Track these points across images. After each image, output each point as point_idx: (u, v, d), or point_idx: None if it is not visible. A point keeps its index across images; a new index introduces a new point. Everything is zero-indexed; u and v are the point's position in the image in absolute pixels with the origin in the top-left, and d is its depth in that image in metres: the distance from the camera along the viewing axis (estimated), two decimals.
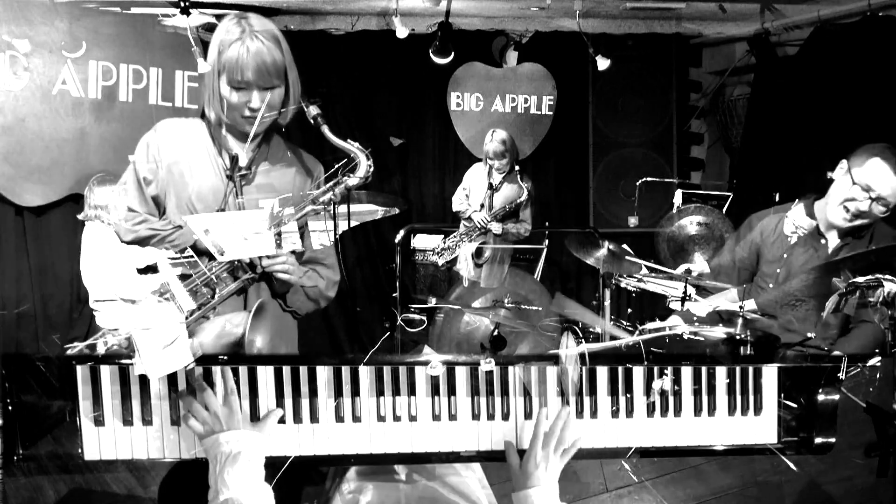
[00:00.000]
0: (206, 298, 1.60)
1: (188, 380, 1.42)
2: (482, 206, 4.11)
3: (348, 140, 1.70)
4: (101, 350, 1.43)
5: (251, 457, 1.27)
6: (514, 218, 4.14)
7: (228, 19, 1.68)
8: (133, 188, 1.80)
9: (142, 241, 1.78)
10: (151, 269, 1.56)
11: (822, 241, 2.70)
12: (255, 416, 1.43)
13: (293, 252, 1.70)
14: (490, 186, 4.11)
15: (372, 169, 1.70)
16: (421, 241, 4.28)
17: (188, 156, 1.78)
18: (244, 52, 1.62)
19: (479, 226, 4.03)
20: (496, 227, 4.03)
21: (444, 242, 4.10)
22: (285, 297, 1.83)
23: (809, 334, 1.97)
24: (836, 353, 1.59)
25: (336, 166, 1.72)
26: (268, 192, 1.79)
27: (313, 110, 1.70)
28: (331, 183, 1.70)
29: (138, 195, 1.80)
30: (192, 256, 1.64)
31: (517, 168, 4.12)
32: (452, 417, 1.47)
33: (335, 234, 1.69)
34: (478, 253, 3.99)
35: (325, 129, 1.69)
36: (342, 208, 1.69)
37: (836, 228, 2.59)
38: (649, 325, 2.80)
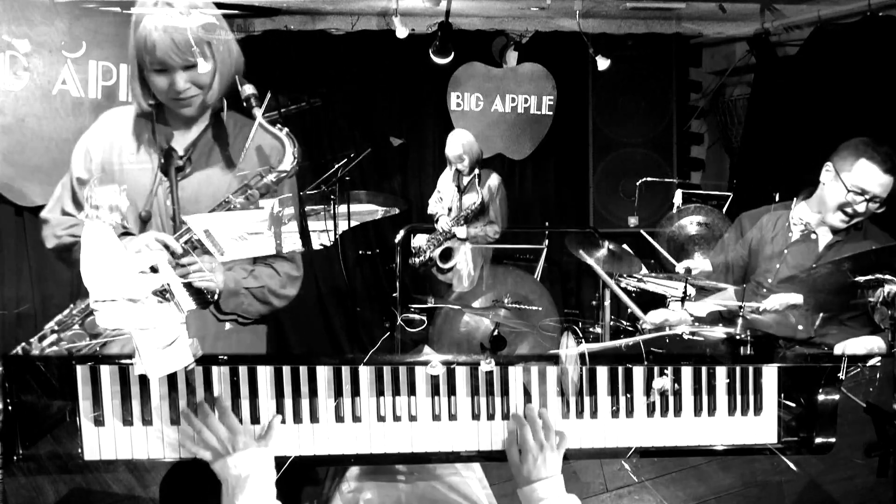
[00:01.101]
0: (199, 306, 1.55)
1: (188, 379, 1.42)
2: (449, 209, 4.07)
3: (278, 125, 1.59)
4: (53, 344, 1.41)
5: (260, 478, 1.29)
6: (482, 220, 4.06)
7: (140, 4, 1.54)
8: (67, 189, 1.68)
9: (65, 250, 1.65)
10: (153, 269, 1.52)
11: (813, 237, 2.72)
12: (255, 417, 1.43)
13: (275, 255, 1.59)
14: (458, 189, 4.06)
15: (296, 161, 1.58)
16: (421, 241, 4.28)
17: (120, 151, 1.65)
18: (153, 30, 1.49)
19: (442, 231, 3.97)
20: (461, 232, 3.95)
21: (425, 244, 4.06)
22: (217, 305, 1.64)
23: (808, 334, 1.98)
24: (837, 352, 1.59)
25: (336, 166, 1.71)
26: (205, 190, 1.65)
27: (248, 89, 1.58)
28: (250, 179, 1.59)
29: (70, 197, 1.67)
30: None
31: (476, 171, 4.05)
32: (452, 417, 1.47)
33: (335, 234, 1.68)
34: (444, 257, 3.92)
35: (257, 113, 1.56)
36: (342, 208, 1.68)
37: (832, 228, 2.61)
38: (651, 317, 2.81)
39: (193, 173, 1.66)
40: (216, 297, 1.61)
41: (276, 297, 1.72)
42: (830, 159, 2.56)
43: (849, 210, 2.46)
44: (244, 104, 1.58)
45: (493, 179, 4.02)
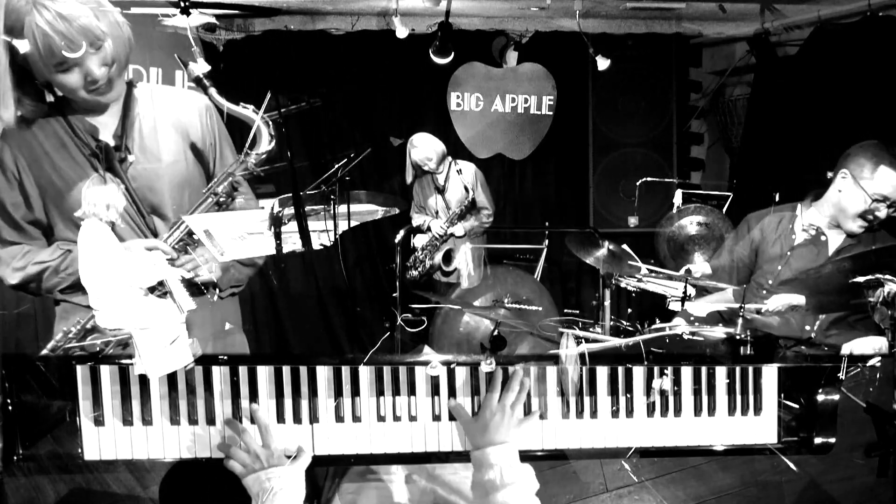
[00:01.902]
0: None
1: (188, 379, 1.42)
2: (437, 212, 4.04)
3: (242, 104, 1.50)
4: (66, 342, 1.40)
5: (292, 493, 1.30)
6: (473, 212, 4.04)
7: (13, 4, 1.36)
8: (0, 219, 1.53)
9: (33, 282, 1.54)
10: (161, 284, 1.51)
11: (823, 239, 2.71)
12: (255, 418, 1.43)
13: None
14: (438, 189, 4.03)
15: (274, 142, 1.52)
16: (421, 241, 4.27)
17: (49, 159, 1.51)
18: (46, 30, 1.34)
19: (438, 235, 3.95)
20: (458, 230, 3.93)
21: (420, 254, 4.02)
22: (216, 287, 1.65)
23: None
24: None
25: (336, 166, 1.70)
26: (159, 170, 1.58)
27: (196, 69, 1.46)
28: (229, 167, 1.54)
29: (8, 223, 1.54)
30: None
31: (455, 166, 4.03)
32: (452, 417, 1.47)
33: (335, 233, 1.68)
34: (446, 259, 3.90)
35: (213, 93, 1.48)
36: (342, 208, 1.68)
37: (850, 233, 2.60)
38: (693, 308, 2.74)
39: (137, 160, 1.56)
40: (216, 285, 1.63)
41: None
42: (845, 165, 2.53)
43: (870, 217, 2.46)
44: (194, 84, 1.47)
45: (469, 168, 4.01)
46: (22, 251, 1.53)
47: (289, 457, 1.39)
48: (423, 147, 3.95)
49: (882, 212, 2.43)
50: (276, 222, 1.59)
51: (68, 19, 1.35)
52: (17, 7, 1.34)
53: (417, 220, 4.24)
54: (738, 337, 2.14)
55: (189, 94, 1.69)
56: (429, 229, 4.07)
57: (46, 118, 1.52)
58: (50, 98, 1.49)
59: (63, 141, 1.52)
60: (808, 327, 2.53)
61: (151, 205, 1.61)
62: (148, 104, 1.61)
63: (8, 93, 1.41)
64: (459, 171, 3.91)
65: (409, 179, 4.15)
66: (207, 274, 1.59)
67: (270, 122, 1.50)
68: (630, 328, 3.13)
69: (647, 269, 3.59)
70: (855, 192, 2.48)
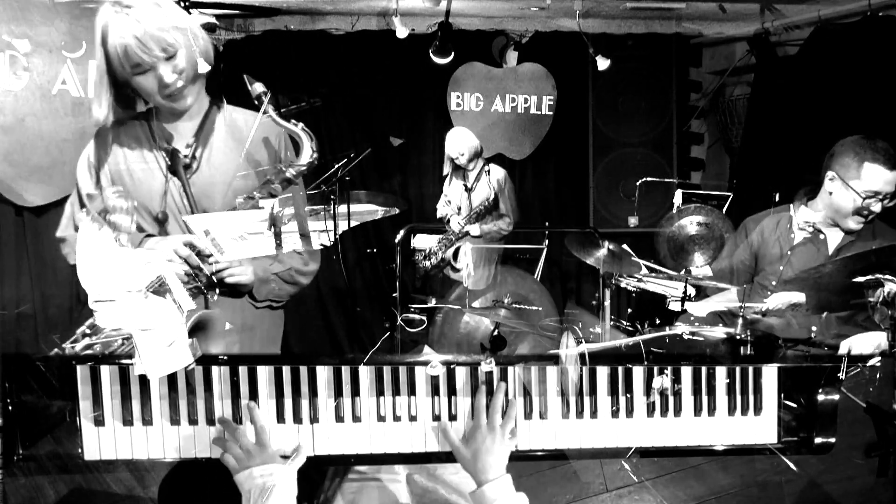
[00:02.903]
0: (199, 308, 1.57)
1: (188, 378, 1.42)
2: (459, 209, 4.06)
3: (293, 120, 1.63)
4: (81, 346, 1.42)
5: (284, 491, 1.29)
6: (493, 215, 4.06)
7: (104, 9, 1.55)
8: (76, 206, 1.72)
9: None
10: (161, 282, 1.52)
11: (822, 237, 2.71)
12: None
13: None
14: (465, 188, 4.05)
15: (316, 154, 1.62)
16: (421, 241, 4.27)
17: (126, 160, 1.69)
18: (126, 34, 1.51)
19: (454, 231, 3.95)
20: (474, 229, 3.95)
21: (436, 246, 4.04)
22: (252, 295, 1.75)
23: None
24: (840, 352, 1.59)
25: (336, 166, 1.71)
26: (220, 181, 1.70)
27: (258, 87, 1.61)
28: (270, 175, 1.63)
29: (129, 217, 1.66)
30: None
31: (486, 167, 4.06)
32: (452, 417, 1.46)
33: (335, 233, 1.68)
34: (455, 256, 3.91)
35: (270, 110, 1.61)
36: (342, 208, 1.69)
37: (849, 231, 2.60)
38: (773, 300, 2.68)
39: (201, 169, 1.71)
40: (249, 288, 1.70)
41: (302, 275, 1.82)
42: (831, 167, 2.53)
43: (865, 213, 2.46)
44: (255, 102, 1.61)
45: (499, 173, 4.04)
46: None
47: (285, 457, 1.39)
48: (457, 141, 3.99)
49: (876, 206, 2.42)
50: (276, 222, 1.60)
51: (145, 26, 1.50)
52: (106, 13, 1.52)
53: (442, 211, 4.26)
54: (738, 337, 2.14)
55: (264, 120, 1.80)
56: (448, 223, 4.09)
57: (133, 121, 1.71)
58: (141, 107, 1.66)
59: (141, 142, 1.69)
60: (814, 328, 2.52)
61: (203, 209, 1.71)
62: (222, 123, 1.75)
63: (104, 95, 1.59)
64: (488, 172, 3.95)
65: (445, 171, 4.18)
66: (237, 277, 1.64)
67: (314, 138, 1.62)
68: (630, 328, 3.13)
69: (647, 269, 3.59)
70: (845, 192, 2.47)
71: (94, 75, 1.59)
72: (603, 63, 3.81)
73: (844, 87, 4.12)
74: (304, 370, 1.44)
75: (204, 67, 1.64)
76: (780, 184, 3.34)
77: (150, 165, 1.68)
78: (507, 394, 1.43)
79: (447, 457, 1.47)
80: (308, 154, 1.63)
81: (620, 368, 1.51)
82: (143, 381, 1.41)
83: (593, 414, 1.51)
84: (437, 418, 1.46)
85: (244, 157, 1.71)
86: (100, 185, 1.69)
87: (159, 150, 1.69)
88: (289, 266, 1.78)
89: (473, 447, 1.37)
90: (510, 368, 1.48)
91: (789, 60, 4.62)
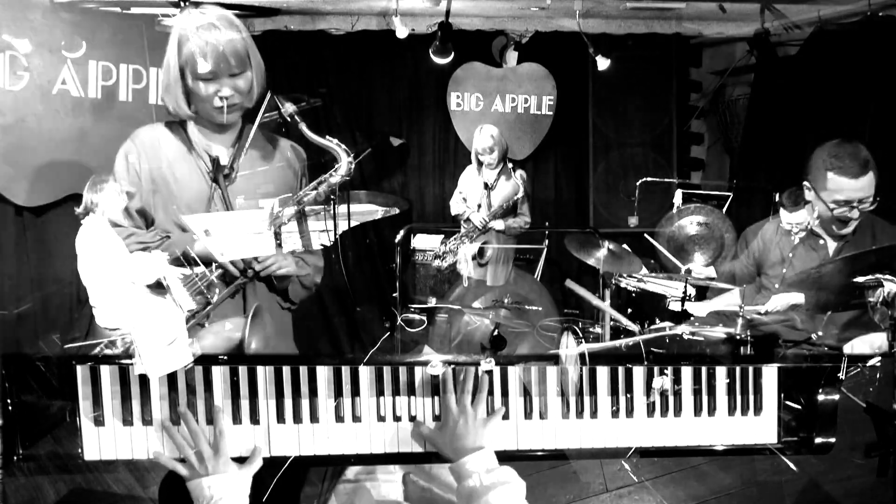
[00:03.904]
0: (200, 306, 1.60)
1: (188, 379, 1.42)
2: (479, 206, 4.08)
3: (327, 136, 1.68)
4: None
5: (231, 502, 1.29)
6: (512, 214, 4.09)
7: (185, 13, 1.67)
8: (113, 201, 1.78)
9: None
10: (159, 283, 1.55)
11: (821, 242, 2.71)
12: (255, 418, 1.43)
13: (292, 252, 1.70)
14: (486, 186, 4.07)
15: (353, 166, 1.67)
16: (421, 241, 4.27)
17: (169, 163, 1.76)
18: (205, 41, 1.61)
19: (478, 226, 3.98)
20: (499, 224, 3.98)
21: (446, 245, 4.05)
22: (285, 292, 1.85)
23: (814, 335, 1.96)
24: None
25: (336, 166, 1.71)
26: (253, 190, 1.78)
27: (290, 107, 1.67)
28: (314, 182, 1.69)
29: (120, 208, 1.78)
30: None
31: (510, 164, 4.08)
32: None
33: (335, 233, 1.69)
34: (480, 253, 3.94)
35: (303, 128, 1.66)
36: (342, 208, 1.69)
37: (836, 236, 2.57)
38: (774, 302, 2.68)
39: (239, 180, 1.79)
40: (289, 281, 1.80)
41: (314, 284, 1.94)
42: (806, 177, 2.48)
43: (843, 219, 2.41)
44: (288, 120, 1.66)
45: (521, 172, 4.05)
46: (126, 232, 1.75)
47: (243, 460, 1.39)
48: (486, 137, 3.99)
49: (853, 213, 2.35)
50: (277, 222, 1.60)
51: (216, 40, 1.61)
52: (188, 20, 1.63)
53: (457, 208, 4.25)
54: (738, 337, 2.14)
55: (290, 148, 1.92)
56: (468, 220, 4.09)
57: (174, 125, 1.80)
58: (178, 109, 1.72)
59: (184, 148, 1.77)
60: (819, 332, 2.51)
61: None
62: (258, 138, 1.83)
63: (179, 94, 1.69)
64: (514, 170, 3.97)
65: (473, 164, 4.17)
66: (288, 268, 1.75)
67: (350, 153, 1.67)
68: (630, 328, 3.14)
69: (647, 269, 3.60)
70: (818, 203, 2.43)
71: (163, 77, 1.69)
72: (603, 63, 3.81)
73: (844, 87, 4.12)
74: (303, 370, 1.44)
75: (204, 67, 1.65)
76: (781, 184, 3.36)
77: (193, 171, 1.76)
78: (477, 376, 1.43)
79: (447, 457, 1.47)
80: (345, 168, 1.67)
81: (620, 368, 1.51)
82: (143, 381, 1.41)
83: (593, 414, 1.51)
84: (437, 418, 1.46)
85: (268, 173, 1.81)
86: (139, 185, 1.75)
87: (199, 156, 1.77)
88: (307, 272, 1.87)
89: (447, 432, 1.36)
90: (510, 368, 1.48)
91: (789, 60, 4.62)
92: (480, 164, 4.15)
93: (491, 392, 1.48)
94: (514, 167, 4.06)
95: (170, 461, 1.37)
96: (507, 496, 1.23)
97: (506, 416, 1.48)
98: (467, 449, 1.32)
